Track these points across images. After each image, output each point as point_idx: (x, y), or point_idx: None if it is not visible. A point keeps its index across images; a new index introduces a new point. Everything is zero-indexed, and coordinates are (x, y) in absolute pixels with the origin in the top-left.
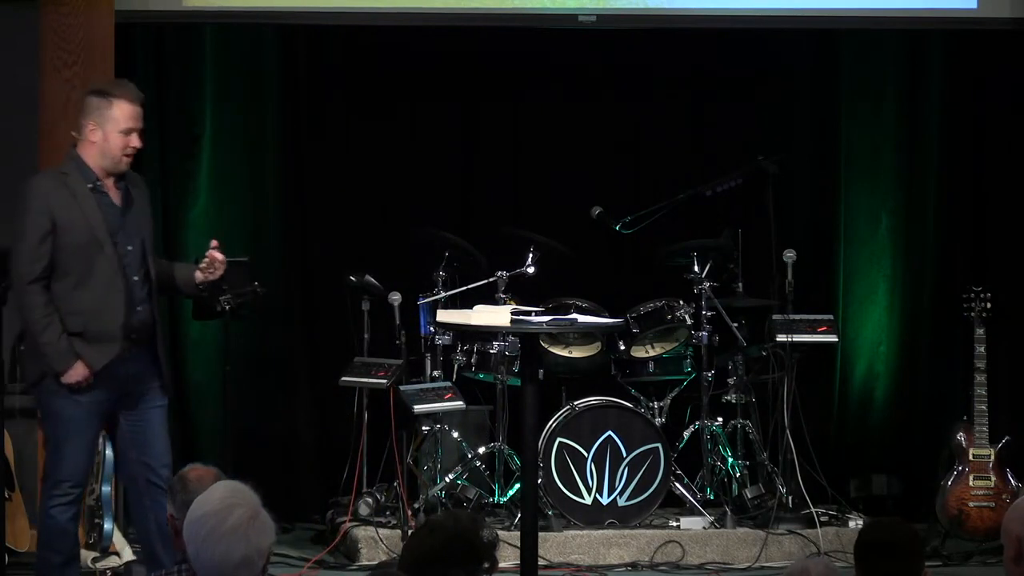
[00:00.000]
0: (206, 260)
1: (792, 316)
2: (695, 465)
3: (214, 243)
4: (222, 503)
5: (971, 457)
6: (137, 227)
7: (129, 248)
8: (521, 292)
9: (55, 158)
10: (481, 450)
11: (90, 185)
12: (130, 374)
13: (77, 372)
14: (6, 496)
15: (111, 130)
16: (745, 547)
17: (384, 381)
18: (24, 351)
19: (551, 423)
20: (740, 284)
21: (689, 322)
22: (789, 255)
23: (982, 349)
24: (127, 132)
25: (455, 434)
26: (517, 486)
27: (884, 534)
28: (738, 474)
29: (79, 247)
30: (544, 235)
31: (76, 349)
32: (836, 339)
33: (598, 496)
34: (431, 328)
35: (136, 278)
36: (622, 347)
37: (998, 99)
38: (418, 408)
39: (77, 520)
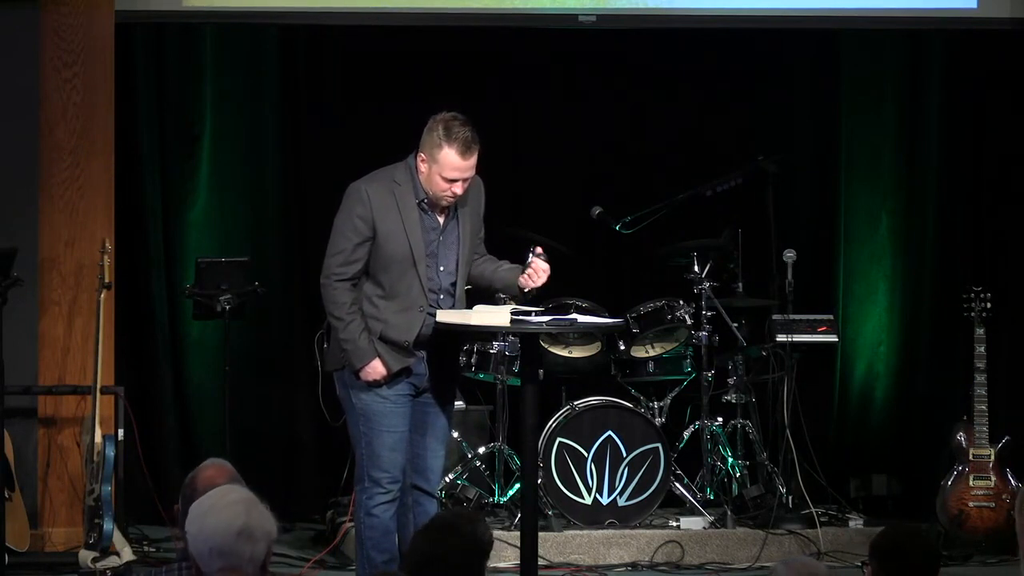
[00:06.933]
0: (531, 268)
1: (792, 316)
2: (695, 465)
3: (538, 250)
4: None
5: (971, 457)
6: (456, 243)
7: (441, 268)
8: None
9: (55, 158)
10: (481, 450)
11: (417, 201)
12: (427, 374)
13: (375, 370)
14: (6, 496)
15: (435, 171)
16: (745, 547)
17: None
18: (328, 343)
19: (551, 423)
20: (740, 284)
21: (689, 322)
22: (789, 255)
23: (982, 349)
24: (449, 180)
25: (455, 434)
26: (517, 486)
27: (904, 543)
28: (738, 474)
29: (394, 261)
30: (544, 235)
31: (376, 348)
32: (836, 339)
33: (598, 496)
34: None
35: (442, 296)
36: (622, 347)
37: (998, 99)
38: None
39: (396, 519)
